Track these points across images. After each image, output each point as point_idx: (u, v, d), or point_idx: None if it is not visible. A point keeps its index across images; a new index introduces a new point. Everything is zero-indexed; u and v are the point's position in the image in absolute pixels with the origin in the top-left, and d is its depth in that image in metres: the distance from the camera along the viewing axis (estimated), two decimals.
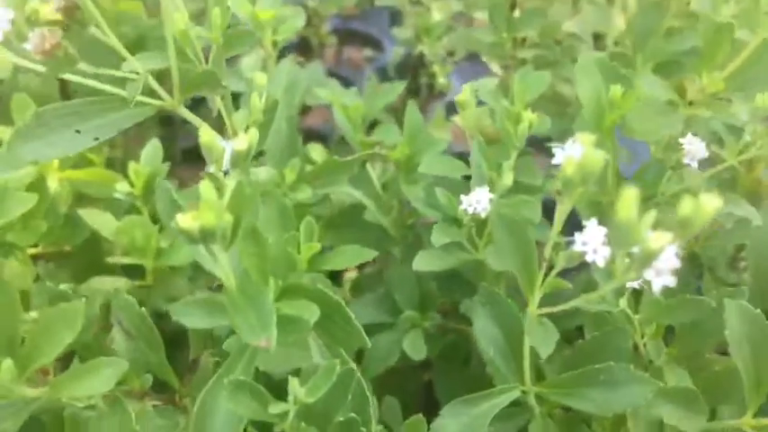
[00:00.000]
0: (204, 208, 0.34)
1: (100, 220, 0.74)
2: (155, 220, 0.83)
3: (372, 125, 0.84)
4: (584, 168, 0.34)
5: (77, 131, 0.47)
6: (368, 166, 0.71)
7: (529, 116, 0.50)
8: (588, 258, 0.35)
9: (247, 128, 0.50)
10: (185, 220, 0.35)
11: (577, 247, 0.35)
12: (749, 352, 0.51)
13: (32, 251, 0.78)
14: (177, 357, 0.59)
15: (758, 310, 0.51)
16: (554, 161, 0.36)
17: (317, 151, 1.00)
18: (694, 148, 0.48)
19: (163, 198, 0.41)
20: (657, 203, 0.51)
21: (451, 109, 1.31)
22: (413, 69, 1.11)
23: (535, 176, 0.64)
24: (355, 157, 0.64)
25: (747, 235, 0.63)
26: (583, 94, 0.53)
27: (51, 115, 0.47)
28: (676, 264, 0.30)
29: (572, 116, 0.68)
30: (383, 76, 1.37)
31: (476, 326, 0.54)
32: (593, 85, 0.54)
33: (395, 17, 1.38)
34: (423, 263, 0.57)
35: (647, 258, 0.29)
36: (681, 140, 0.49)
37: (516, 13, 0.75)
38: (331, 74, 1.36)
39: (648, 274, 0.30)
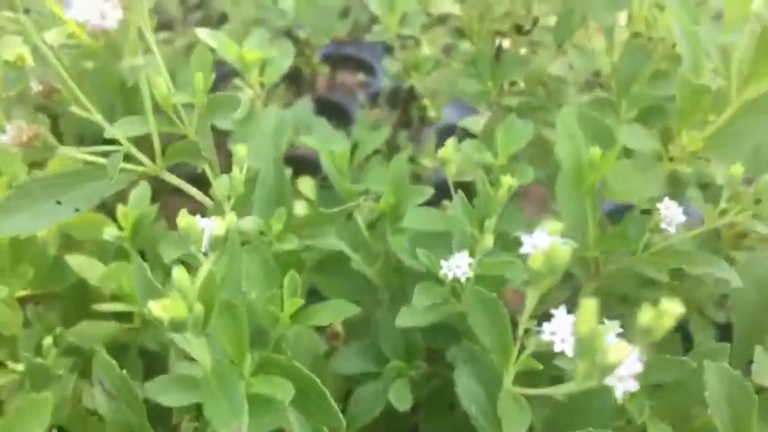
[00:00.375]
0: (175, 299, 0.35)
1: (87, 267, 0.74)
2: (144, 258, 0.84)
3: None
4: (550, 260, 0.35)
5: (58, 203, 0.48)
6: (355, 211, 0.71)
7: (508, 181, 0.50)
8: (556, 348, 0.35)
9: (229, 197, 0.51)
10: (157, 309, 0.36)
11: (546, 337, 0.36)
12: (728, 413, 0.51)
13: (21, 293, 0.78)
14: (162, 415, 0.59)
15: (737, 372, 0.51)
16: (522, 250, 0.36)
17: (307, 184, 1.01)
18: (671, 213, 0.48)
19: (139, 276, 0.42)
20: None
21: (444, 136, 1.31)
22: (403, 102, 1.11)
23: (520, 226, 0.65)
24: (342, 209, 0.64)
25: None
26: (562, 154, 0.53)
27: (33, 187, 0.47)
28: (639, 368, 0.30)
29: (557, 162, 0.68)
30: (376, 100, 1.38)
31: (458, 383, 0.55)
32: (573, 144, 0.54)
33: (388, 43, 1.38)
34: (406, 319, 0.57)
35: (608, 368, 0.29)
36: (658, 206, 0.49)
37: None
38: (323, 100, 1.36)
39: (610, 381, 0.30)
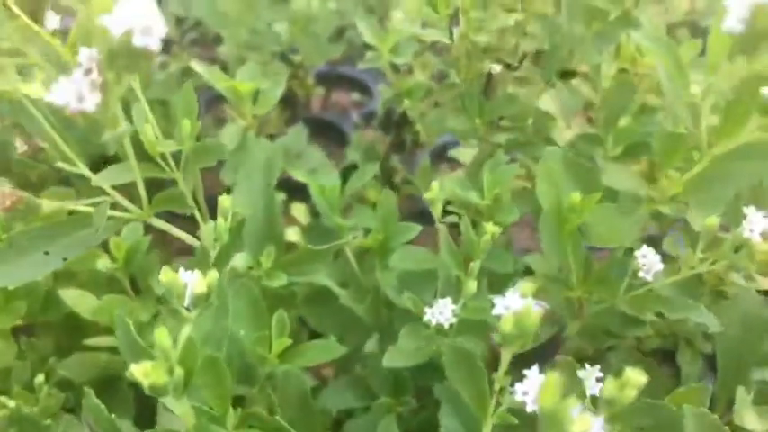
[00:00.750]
0: (155, 365, 0.36)
1: (79, 300, 0.75)
2: (136, 290, 0.85)
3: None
4: (521, 324, 0.35)
5: (46, 253, 0.48)
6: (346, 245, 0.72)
7: (492, 228, 0.51)
8: (528, 409, 0.36)
9: (216, 241, 0.51)
10: (138, 373, 0.36)
11: (518, 397, 0.36)
12: None
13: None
14: None
15: (715, 416, 0.52)
16: (493, 312, 0.37)
17: (300, 211, 1.02)
18: (649, 261, 0.49)
19: (122, 334, 0.42)
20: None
21: (439, 155, 1.32)
22: (396, 125, 1.12)
23: (506, 264, 0.65)
24: (331, 246, 0.65)
25: None
26: (542, 198, 0.54)
27: (21, 238, 0.48)
28: None
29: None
30: (371, 120, 1.39)
31: (441, 423, 0.56)
32: (554, 188, 0.55)
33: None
34: (393, 360, 0.58)
35: None
36: (636, 254, 0.50)
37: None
38: (317, 120, 1.37)
39: None
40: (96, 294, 0.78)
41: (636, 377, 0.31)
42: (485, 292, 0.58)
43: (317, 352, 0.59)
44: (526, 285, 0.37)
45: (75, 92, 0.30)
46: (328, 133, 1.36)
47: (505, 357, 0.37)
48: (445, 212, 0.66)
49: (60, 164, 0.44)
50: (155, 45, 0.29)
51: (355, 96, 1.47)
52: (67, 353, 0.80)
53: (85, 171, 0.47)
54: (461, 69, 0.70)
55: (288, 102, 1.28)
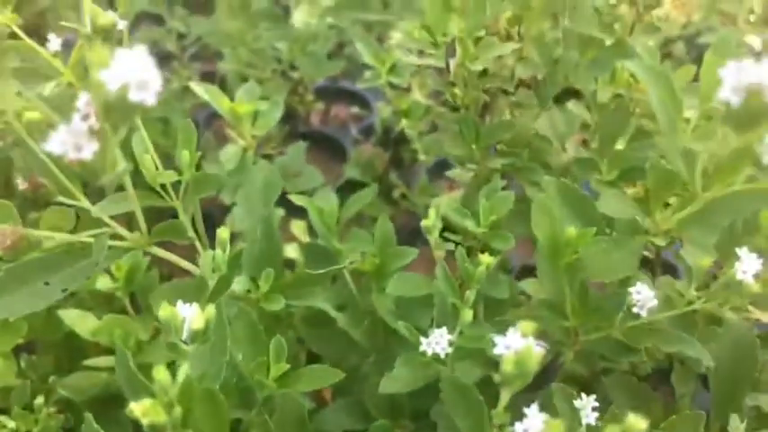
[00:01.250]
0: (154, 404, 0.36)
1: (79, 321, 0.75)
2: (136, 309, 0.85)
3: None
4: (521, 364, 0.36)
5: (47, 283, 0.49)
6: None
7: (487, 260, 0.52)
8: None
9: (214, 270, 0.52)
10: (137, 411, 0.37)
11: None
12: None
13: None
14: None
15: None
16: (494, 351, 0.38)
17: (299, 228, 1.02)
18: (644, 297, 0.50)
19: (121, 369, 0.43)
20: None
21: (438, 170, 1.33)
22: (394, 142, 1.13)
23: (503, 290, 0.66)
24: (329, 270, 0.66)
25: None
26: (538, 231, 0.54)
27: (22, 269, 0.48)
28: None
29: None
30: (369, 134, 1.39)
31: None
32: (550, 221, 0.55)
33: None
34: (389, 386, 0.58)
35: None
36: (630, 290, 0.50)
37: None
38: (317, 134, 1.38)
39: None
40: (96, 312, 0.79)
41: (637, 424, 0.32)
42: (481, 321, 0.59)
43: (315, 377, 0.60)
44: (526, 324, 0.38)
45: (73, 141, 0.31)
46: (328, 147, 1.37)
47: (505, 396, 0.38)
48: (443, 236, 0.67)
49: (61, 198, 0.45)
50: (151, 99, 0.29)
51: (355, 110, 1.48)
52: (68, 371, 0.80)
53: (86, 203, 0.48)
54: (458, 96, 0.71)
55: (287, 116, 1.29)
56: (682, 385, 0.79)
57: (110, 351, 0.77)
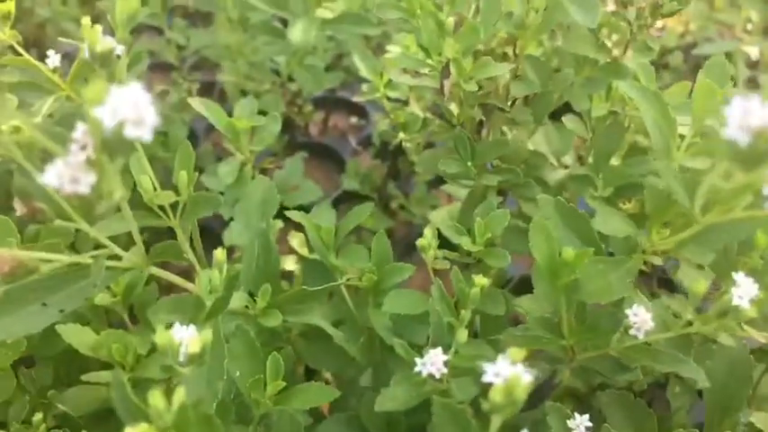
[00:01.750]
0: (150, 430, 0.37)
1: (77, 336, 0.75)
2: (134, 321, 0.86)
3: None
4: (510, 392, 0.36)
5: (44, 305, 0.49)
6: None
7: (482, 281, 0.52)
8: None
9: (210, 292, 0.52)
10: None
11: None
12: None
13: None
14: None
15: None
16: (484, 378, 0.38)
17: (297, 240, 1.03)
18: (640, 319, 0.50)
19: (118, 395, 0.43)
20: None
21: (435, 180, 1.33)
22: (392, 154, 1.13)
23: (499, 307, 0.66)
24: (326, 287, 0.66)
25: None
26: (536, 252, 0.55)
27: (20, 291, 0.49)
28: None
29: None
30: (368, 143, 1.40)
31: None
32: (547, 242, 0.55)
33: None
34: (385, 404, 0.59)
35: None
36: (627, 311, 0.51)
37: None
38: (315, 144, 1.39)
39: None
40: (95, 326, 0.79)
41: None
42: (477, 339, 0.59)
43: (312, 395, 0.60)
44: (516, 351, 0.38)
45: (70, 173, 0.31)
46: (327, 157, 1.38)
47: (495, 423, 0.38)
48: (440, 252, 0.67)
49: (59, 221, 0.45)
50: (147, 136, 0.30)
51: (354, 120, 1.48)
52: (67, 385, 0.80)
53: (84, 226, 0.48)
54: (453, 114, 0.71)
55: (286, 126, 1.30)
56: (677, 399, 0.80)
57: (109, 365, 0.78)
